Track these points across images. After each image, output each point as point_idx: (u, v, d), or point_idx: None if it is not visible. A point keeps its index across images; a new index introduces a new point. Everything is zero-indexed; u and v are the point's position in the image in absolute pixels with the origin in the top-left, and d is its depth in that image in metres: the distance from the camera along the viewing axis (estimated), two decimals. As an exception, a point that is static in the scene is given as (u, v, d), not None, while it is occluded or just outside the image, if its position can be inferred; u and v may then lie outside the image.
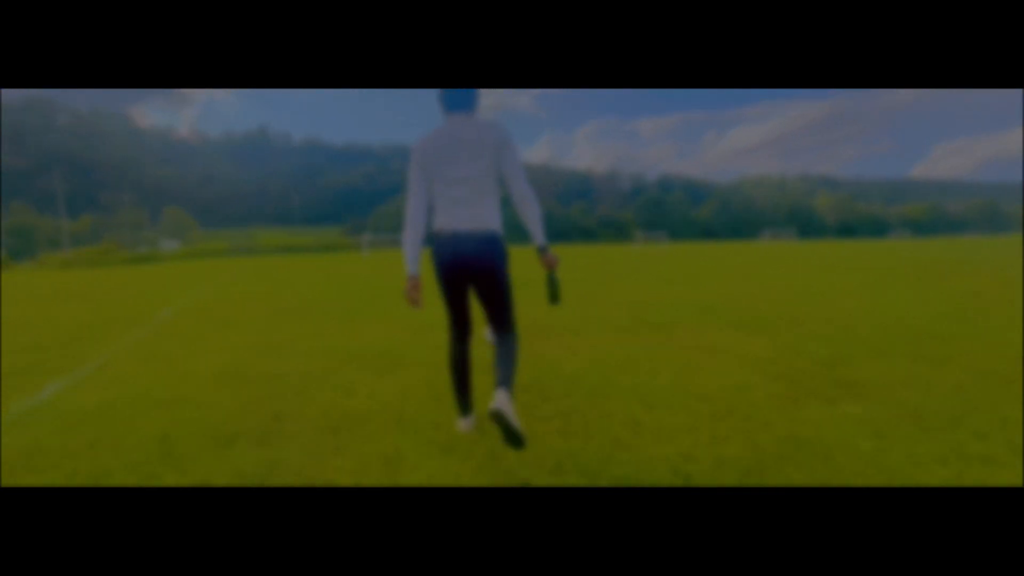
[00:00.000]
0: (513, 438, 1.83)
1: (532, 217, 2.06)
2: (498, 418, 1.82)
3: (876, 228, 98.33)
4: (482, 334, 2.72)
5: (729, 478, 1.76)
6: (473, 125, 2.06)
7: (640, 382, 2.87)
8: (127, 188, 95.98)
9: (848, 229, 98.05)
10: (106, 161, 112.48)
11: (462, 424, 2.27)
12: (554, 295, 2.19)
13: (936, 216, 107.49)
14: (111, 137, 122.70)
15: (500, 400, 1.86)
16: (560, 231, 73.60)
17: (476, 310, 2.27)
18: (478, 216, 2.05)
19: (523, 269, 10.55)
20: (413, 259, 2.10)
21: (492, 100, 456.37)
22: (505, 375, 2.02)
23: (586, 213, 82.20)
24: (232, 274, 15.69)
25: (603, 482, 1.77)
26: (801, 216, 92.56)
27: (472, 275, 2.08)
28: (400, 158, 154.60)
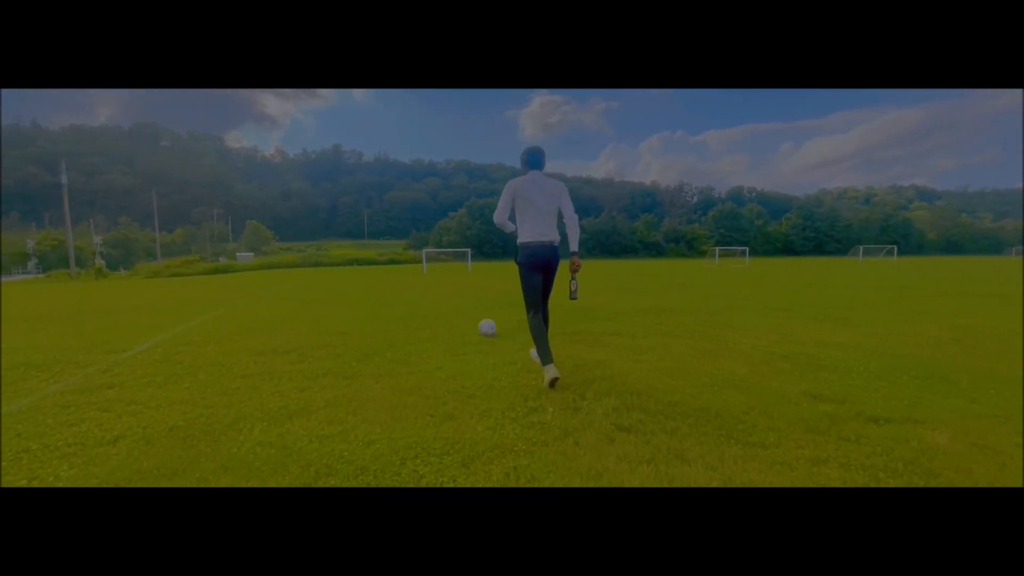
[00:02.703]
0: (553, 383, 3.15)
1: (574, 233, 3.37)
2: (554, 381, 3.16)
3: (990, 244, 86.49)
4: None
5: None
6: (546, 179, 3.40)
7: None
8: (216, 204, 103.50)
9: (955, 246, 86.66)
10: (199, 179, 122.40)
11: (551, 371, 3.18)
12: (573, 294, 3.57)
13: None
14: (205, 157, 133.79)
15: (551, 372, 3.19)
16: (626, 245, 69.89)
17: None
18: (549, 233, 3.35)
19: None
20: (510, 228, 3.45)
21: (556, 117, 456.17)
22: (547, 353, 3.28)
23: (652, 227, 77.96)
24: (279, 288, 14.85)
25: None
26: (897, 231, 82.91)
27: (545, 267, 3.39)
28: (463, 174, 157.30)
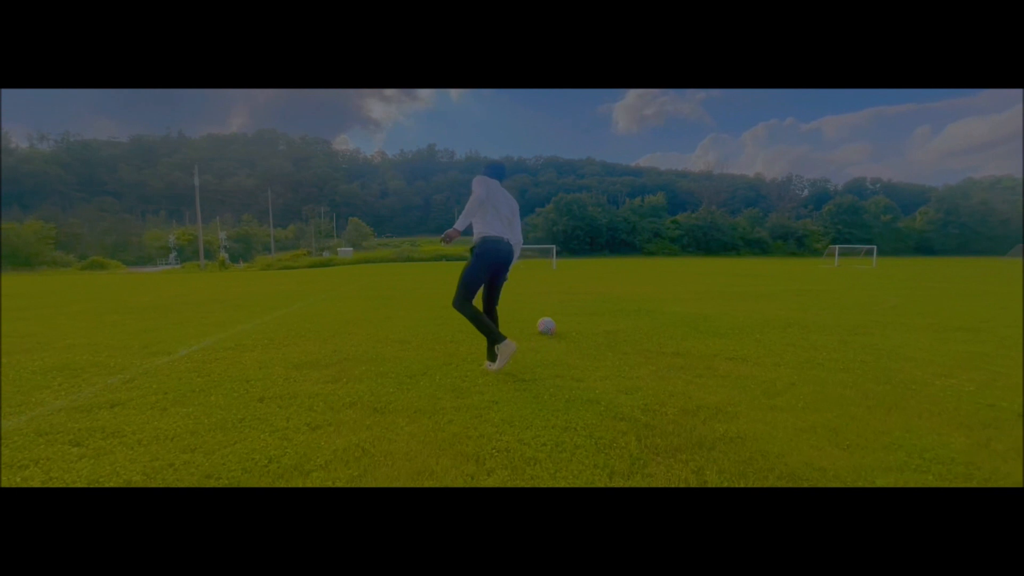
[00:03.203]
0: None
1: (518, 249, 3.67)
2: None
3: None
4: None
5: None
6: (507, 192, 3.58)
7: None
8: (323, 202, 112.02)
9: None
10: (309, 180, 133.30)
11: (507, 347, 3.30)
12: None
13: None
14: (314, 160, 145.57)
15: (492, 367, 3.48)
16: (726, 242, 64.10)
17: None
18: (508, 235, 3.48)
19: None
20: (463, 227, 3.34)
21: (652, 109, 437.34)
22: (495, 331, 3.38)
23: (757, 222, 71.10)
24: (360, 284, 14.91)
25: None
26: (1073, 226, 68.47)
27: (503, 265, 3.50)
28: (551, 170, 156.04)
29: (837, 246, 32.80)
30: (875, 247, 30.45)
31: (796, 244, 67.28)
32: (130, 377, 3.56)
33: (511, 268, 3.61)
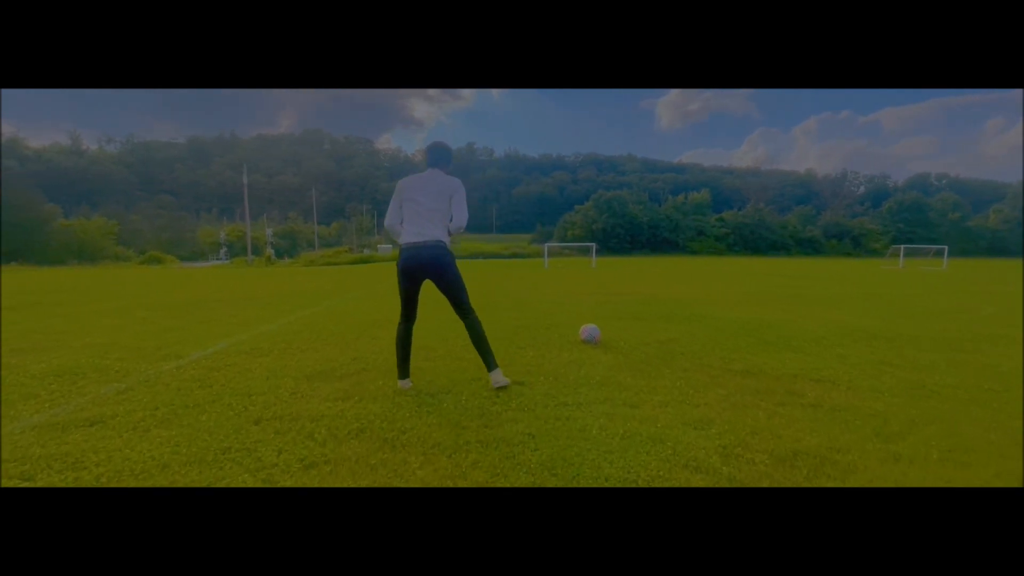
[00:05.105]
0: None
1: (454, 232, 3.11)
2: (502, 389, 3.04)
3: None
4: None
5: None
6: (441, 177, 3.11)
7: None
8: (365, 200, 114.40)
9: None
10: (352, 179, 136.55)
11: (403, 384, 3.14)
12: None
13: None
14: (357, 159, 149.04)
15: (497, 379, 3.06)
16: (775, 241, 60.81)
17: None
18: (432, 232, 2.98)
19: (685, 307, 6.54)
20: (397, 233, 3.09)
21: (697, 104, 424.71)
22: (488, 358, 3.08)
23: (808, 221, 67.22)
24: (393, 282, 14.62)
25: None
26: None
27: (425, 268, 3.00)
28: (591, 167, 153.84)
29: (902, 246, 30.37)
30: (946, 247, 27.91)
31: (852, 244, 63.22)
32: (127, 386, 3.21)
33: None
